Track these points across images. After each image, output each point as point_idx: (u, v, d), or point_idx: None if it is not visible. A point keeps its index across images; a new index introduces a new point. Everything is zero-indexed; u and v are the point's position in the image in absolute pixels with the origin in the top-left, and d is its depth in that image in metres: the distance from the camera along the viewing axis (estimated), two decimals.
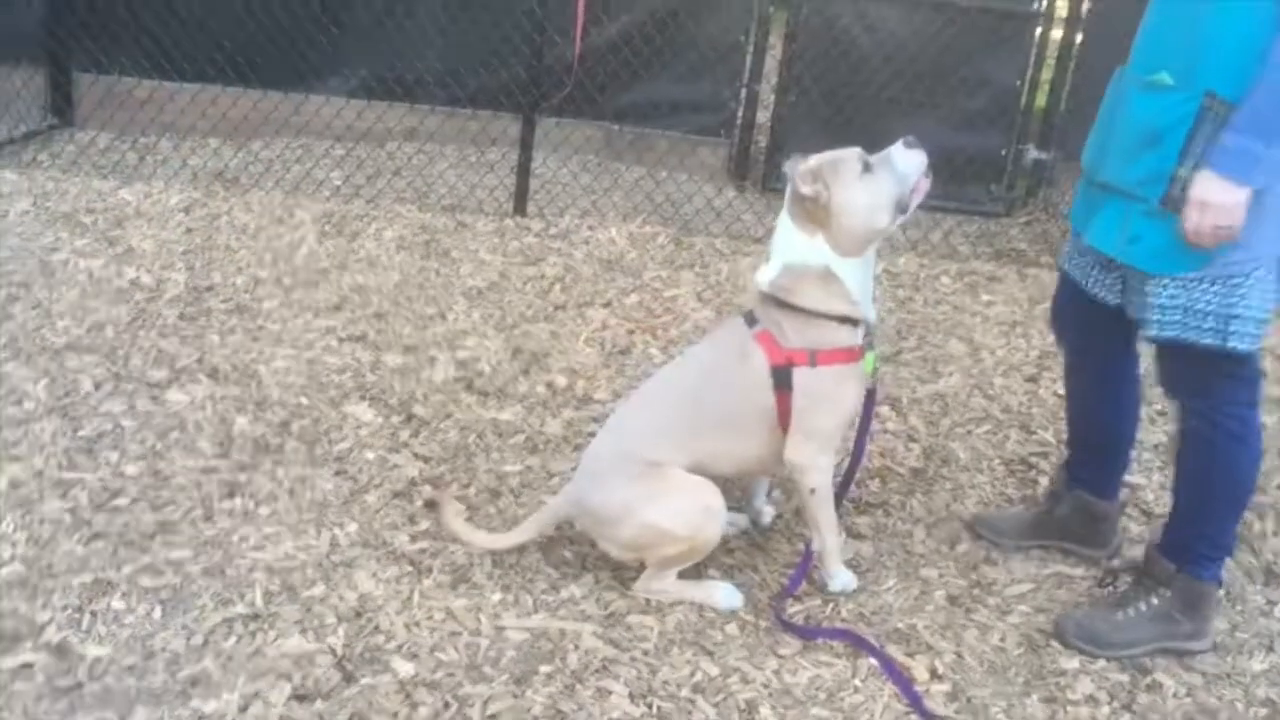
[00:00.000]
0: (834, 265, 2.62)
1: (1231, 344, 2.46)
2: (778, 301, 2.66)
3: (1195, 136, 2.35)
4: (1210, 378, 2.55)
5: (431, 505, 3.00)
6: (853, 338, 2.66)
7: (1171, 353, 2.57)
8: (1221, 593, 2.85)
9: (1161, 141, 2.40)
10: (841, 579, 2.79)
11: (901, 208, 2.64)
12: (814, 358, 2.62)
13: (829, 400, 2.65)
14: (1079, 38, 5.82)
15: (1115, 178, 2.53)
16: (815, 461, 2.68)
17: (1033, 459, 3.54)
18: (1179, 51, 2.40)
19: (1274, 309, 2.49)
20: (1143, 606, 2.70)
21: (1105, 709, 2.51)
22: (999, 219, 5.91)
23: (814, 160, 2.62)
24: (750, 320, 2.71)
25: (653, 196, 5.57)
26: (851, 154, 2.62)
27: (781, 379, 2.63)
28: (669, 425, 2.68)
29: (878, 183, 2.60)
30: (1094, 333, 2.81)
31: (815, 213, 2.59)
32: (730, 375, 2.69)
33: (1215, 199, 2.31)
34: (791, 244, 2.64)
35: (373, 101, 5.87)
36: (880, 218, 2.61)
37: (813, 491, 2.69)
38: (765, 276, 2.69)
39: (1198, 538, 2.67)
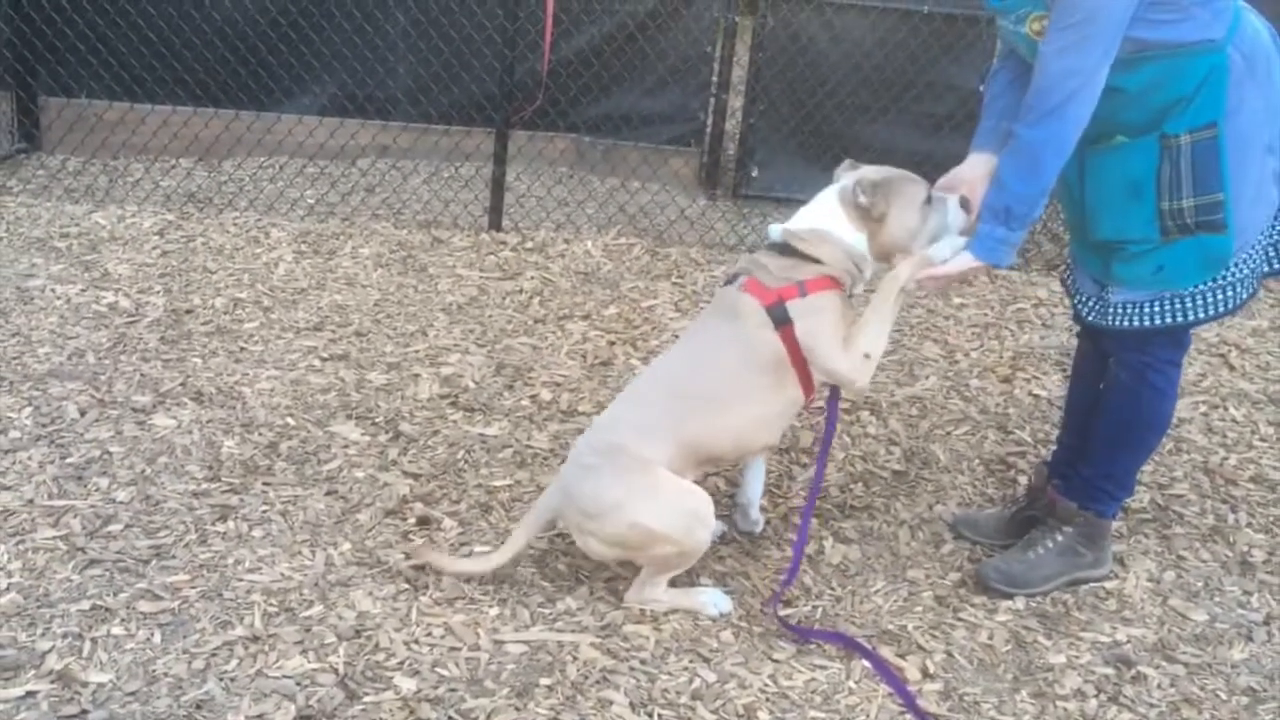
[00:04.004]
0: (866, 256, 2.80)
1: (1223, 310, 2.71)
2: (782, 249, 2.77)
3: (1162, 173, 2.60)
4: (1151, 338, 2.77)
5: (424, 523, 3.03)
6: (837, 276, 2.78)
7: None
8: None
9: (1141, 190, 2.64)
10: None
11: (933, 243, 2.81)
12: (803, 288, 2.73)
13: (828, 315, 2.74)
14: None
15: (1111, 235, 2.74)
16: (853, 364, 2.73)
17: (1011, 459, 3.61)
18: (1123, 115, 2.61)
19: (1263, 271, 2.75)
20: (1049, 544, 2.97)
21: (1093, 702, 2.57)
22: None
23: (879, 174, 2.78)
24: (731, 279, 2.83)
25: (626, 208, 5.62)
26: (916, 181, 2.79)
27: (779, 316, 2.72)
28: (665, 412, 2.72)
29: (931, 217, 2.76)
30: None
31: (867, 219, 2.75)
32: (727, 336, 2.77)
33: (961, 271, 2.69)
34: (835, 221, 2.78)
35: (344, 119, 5.88)
36: (918, 244, 2.78)
37: (863, 389, 2.80)
38: (782, 226, 2.81)
39: (1106, 479, 2.94)
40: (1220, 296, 2.69)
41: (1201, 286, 2.67)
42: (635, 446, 2.68)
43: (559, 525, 2.83)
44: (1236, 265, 2.67)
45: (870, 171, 2.79)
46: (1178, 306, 2.70)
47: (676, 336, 4.27)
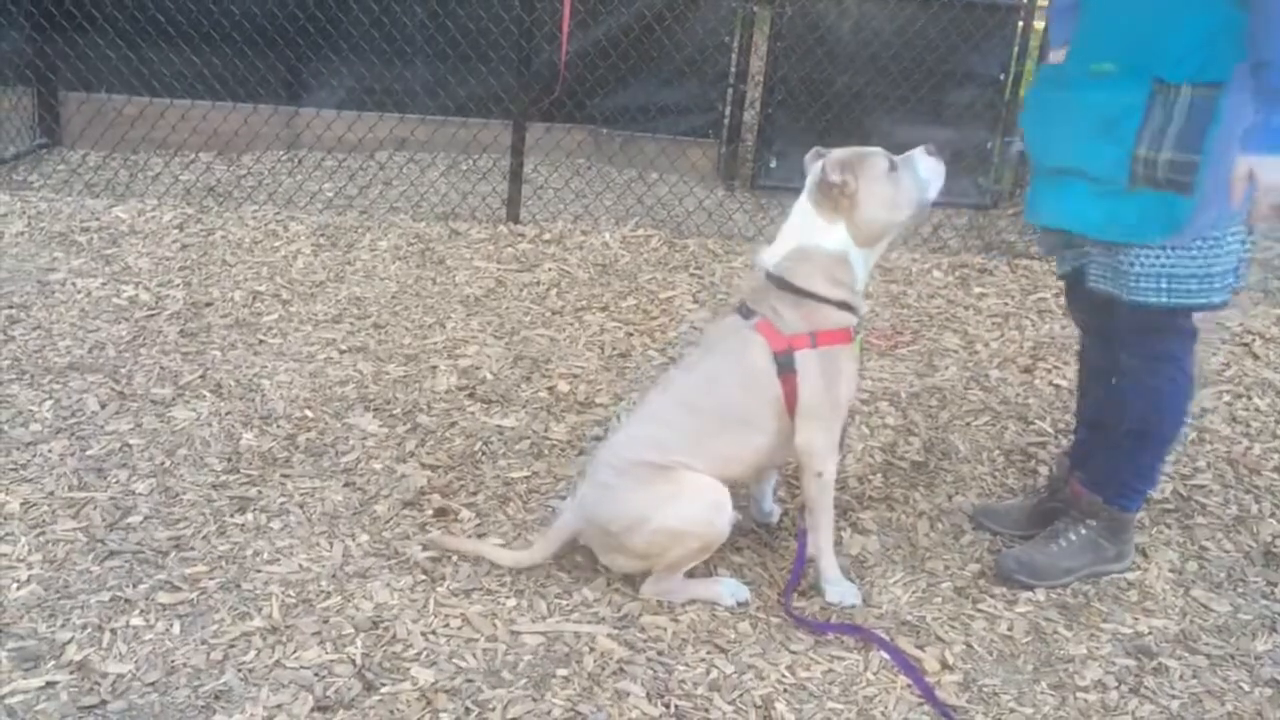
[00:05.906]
0: (849, 252, 2.72)
1: (1213, 299, 2.63)
2: (779, 284, 2.72)
3: (1149, 120, 2.51)
4: (1158, 333, 2.72)
5: (442, 514, 3.03)
6: (848, 320, 2.73)
7: (1126, 311, 2.71)
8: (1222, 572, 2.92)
9: (1116, 128, 2.55)
10: (839, 589, 2.80)
11: (920, 206, 2.76)
12: (814, 339, 2.69)
13: (832, 379, 2.70)
14: None
15: (1074, 162, 2.65)
16: (823, 442, 2.72)
17: (1031, 449, 3.59)
18: (1121, 41, 2.55)
19: (1247, 256, 2.65)
20: (1072, 536, 2.94)
21: (1114, 693, 2.55)
22: (987, 211, 5.96)
23: (841, 153, 2.73)
24: (745, 313, 2.77)
25: (644, 199, 5.61)
26: (878, 152, 2.74)
27: (785, 364, 2.69)
28: (678, 435, 2.71)
29: (901, 180, 2.71)
30: (1096, 313, 2.88)
31: (839, 201, 2.69)
32: (735, 371, 2.73)
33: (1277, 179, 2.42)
34: (809, 227, 2.73)
35: (362, 112, 5.90)
36: (900, 213, 2.73)
37: (819, 475, 2.74)
38: (771, 257, 2.76)
39: (1132, 474, 2.91)
40: (1210, 286, 2.62)
41: (1196, 271, 2.60)
42: (657, 459, 2.68)
43: (579, 542, 2.83)
44: (1226, 254, 2.60)
45: (835, 152, 2.74)
46: (1168, 286, 2.63)
47: (694, 328, 4.27)
